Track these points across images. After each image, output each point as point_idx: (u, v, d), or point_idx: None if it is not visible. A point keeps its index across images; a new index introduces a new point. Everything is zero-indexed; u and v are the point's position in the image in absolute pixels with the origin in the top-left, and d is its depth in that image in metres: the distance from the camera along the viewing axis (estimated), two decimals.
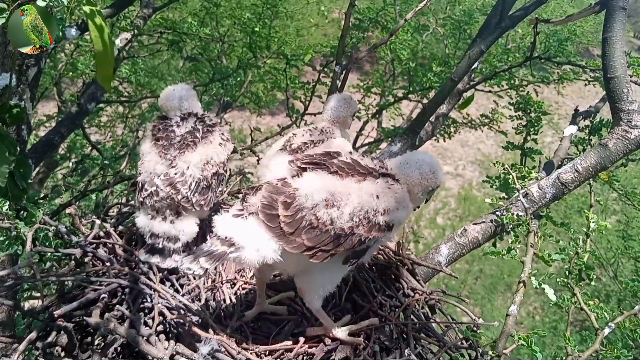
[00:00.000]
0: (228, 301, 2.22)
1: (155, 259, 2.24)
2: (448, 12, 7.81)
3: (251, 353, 1.94)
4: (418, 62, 7.45)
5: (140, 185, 2.36)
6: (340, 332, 2.06)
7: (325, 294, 2.01)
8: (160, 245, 2.27)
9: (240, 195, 2.93)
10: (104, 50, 2.38)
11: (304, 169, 1.90)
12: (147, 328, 1.93)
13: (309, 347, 2.01)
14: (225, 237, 1.77)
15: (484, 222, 2.77)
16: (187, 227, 2.34)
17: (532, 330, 2.43)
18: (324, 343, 2.03)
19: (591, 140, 3.79)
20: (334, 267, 1.93)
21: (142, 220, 2.32)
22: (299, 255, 1.81)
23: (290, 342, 2.03)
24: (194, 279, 2.32)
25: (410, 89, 6.61)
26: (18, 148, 2.83)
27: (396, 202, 1.92)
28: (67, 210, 2.57)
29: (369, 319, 2.18)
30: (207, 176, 2.38)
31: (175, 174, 2.32)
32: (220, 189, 2.56)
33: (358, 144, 6.61)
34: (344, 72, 3.69)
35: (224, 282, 2.31)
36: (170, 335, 1.99)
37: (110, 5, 3.35)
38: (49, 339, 1.97)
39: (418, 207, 2.20)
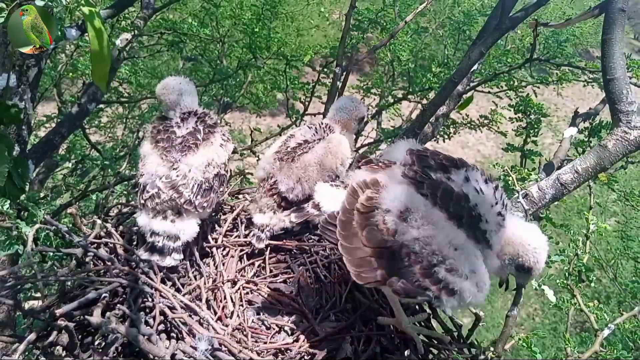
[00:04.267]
0: (229, 301, 2.22)
1: (154, 257, 2.25)
2: (447, 14, 7.82)
3: (252, 352, 1.95)
4: (418, 63, 7.45)
5: (141, 187, 2.36)
6: (411, 328, 2.09)
7: None
8: (160, 244, 2.27)
9: (239, 196, 2.96)
10: (101, 50, 2.37)
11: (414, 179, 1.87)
12: (148, 327, 1.94)
13: (310, 346, 2.01)
14: (317, 203, 2.12)
15: None
16: (188, 226, 2.34)
17: (532, 332, 2.44)
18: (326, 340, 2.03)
19: (591, 142, 3.80)
20: None
21: (142, 219, 2.32)
22: None
23: (291, 341, 2.03)
24: (195, 279, 2.33)
25: (410, 89, 6.61)
26: (17, 148, 2.84)
27: (473, 275, 1.75)
28: (68, 210, 2.57)
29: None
30: (209, 178, 2.40)
31: (177, 176, 2.33)
32: (221, 189, 2.57)
33: (358, 144, 6.60)
34: (344, 73, 3.70)
35: (224, 281, 2.31)
36: (171, 335, 1.99)
37: (111, 6, 3.36)
38: (50, 339, 1.97)
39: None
